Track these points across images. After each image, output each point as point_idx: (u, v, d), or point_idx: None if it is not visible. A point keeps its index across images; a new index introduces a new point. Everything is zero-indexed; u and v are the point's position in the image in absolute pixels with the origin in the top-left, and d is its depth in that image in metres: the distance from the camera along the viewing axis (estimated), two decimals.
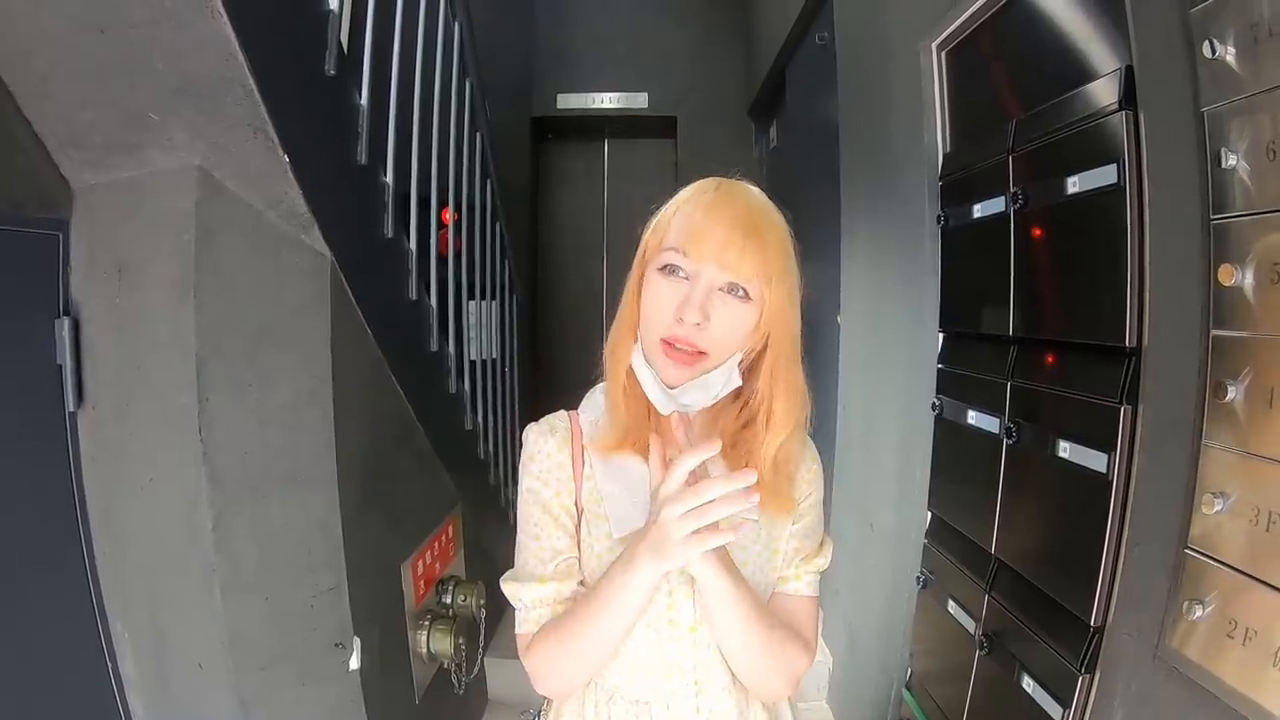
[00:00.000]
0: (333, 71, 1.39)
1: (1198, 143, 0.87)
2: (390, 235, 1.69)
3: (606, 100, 4.66)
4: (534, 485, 0.92)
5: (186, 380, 1.30)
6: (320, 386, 1.44)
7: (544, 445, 0.93)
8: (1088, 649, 1.05)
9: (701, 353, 0.80)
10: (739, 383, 0.85)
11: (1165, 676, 0.88)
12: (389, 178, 1.68)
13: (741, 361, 0.85)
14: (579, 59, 4.63)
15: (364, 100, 1.53)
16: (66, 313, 1.35)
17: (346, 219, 1.52)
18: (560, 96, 4.67)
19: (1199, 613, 0.80)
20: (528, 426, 0.96)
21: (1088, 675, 1.05)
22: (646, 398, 0.85)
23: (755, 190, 0.87)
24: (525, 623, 0.90)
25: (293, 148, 1.24)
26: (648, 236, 0.87)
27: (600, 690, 0.92)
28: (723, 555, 0.81)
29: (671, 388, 0.81)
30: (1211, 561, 0.81)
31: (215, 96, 1.16)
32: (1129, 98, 1.02)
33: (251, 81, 1.13)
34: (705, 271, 0.79)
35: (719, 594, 0.80)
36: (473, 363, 2.46)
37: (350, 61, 1.48)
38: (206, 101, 1.18)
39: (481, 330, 2.63)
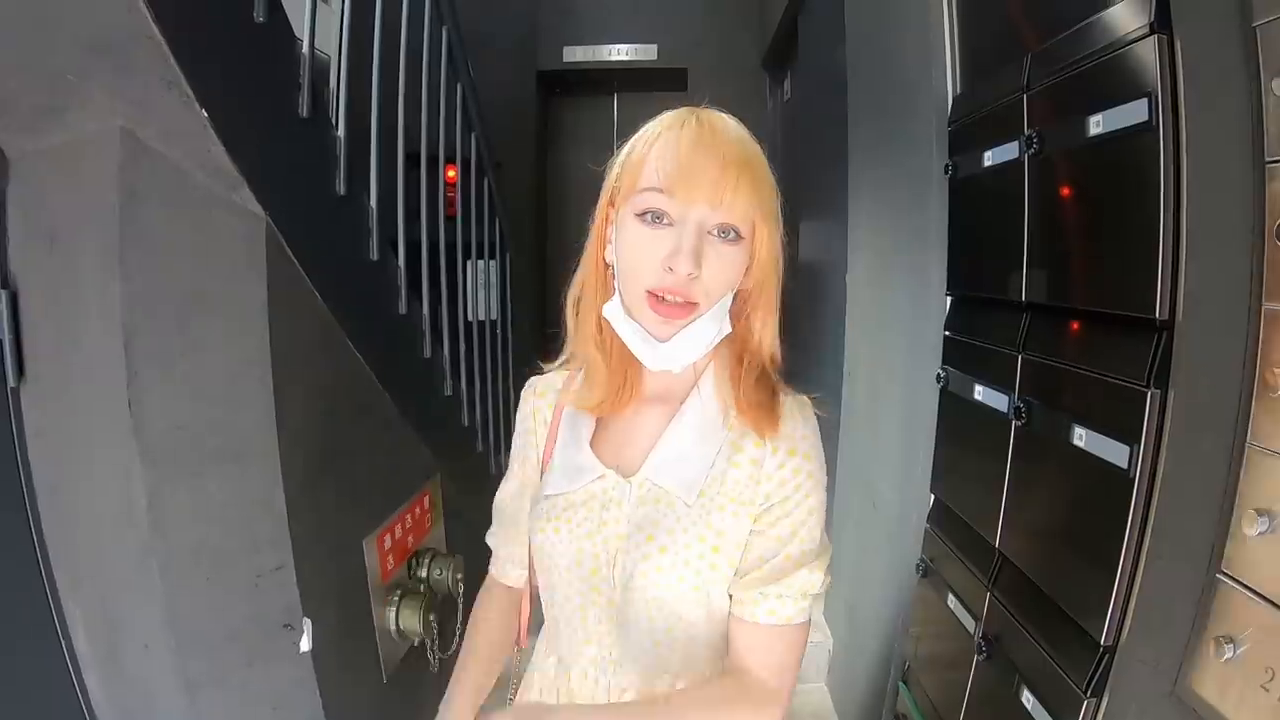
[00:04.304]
0: (262, 18, 1.27)
1: (1248, 68, 0.73)
2: (344, 192, 1.56)
3: (615, 53, 4.47)
4: (515, 436, 0.97)
5: (114, 352, 1.24)
6: (257, 355, 1.34)
7: (525, 402, 0.95)
8: (1095, 671, 0.91)
9: (693, 304, 0.74)
10: (729, 329, 0.79)
11: (1182, 719, 0.73)
12: (340, 131, 1.55)
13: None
14: (586, 10, 4.44)
15: (304, 48, 1.40)
16: (5, 285, 1.30)
17: (285, 176, 1.40)
18: (567, 49, 4.49)
19: (1229, 653, 0.65)
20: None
21: (1094, 699, 0.91)
22: (625, 356, 0.80)
23: (736, 121, 0.77)
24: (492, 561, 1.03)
25: (211, 100, 1.14)
26: (616, 177, 0.78)
27: (546, 636, 0.92)
28: None
29: (661, 341, 0.75)
30: (1249, 594, 0.65)
31: (125, 51, 1.08)
32: (1162, 18, 0.85)
33: (156, 31, 1.03)
34: (695, 214, 0.72)
35: None
36: (458, 325, 2.34)
37: (284, 5, 1.34)
38: (118, 57, 1.09)
39: (469, 291, 2.50)
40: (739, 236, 0.73)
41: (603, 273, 0.81)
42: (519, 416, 0.95)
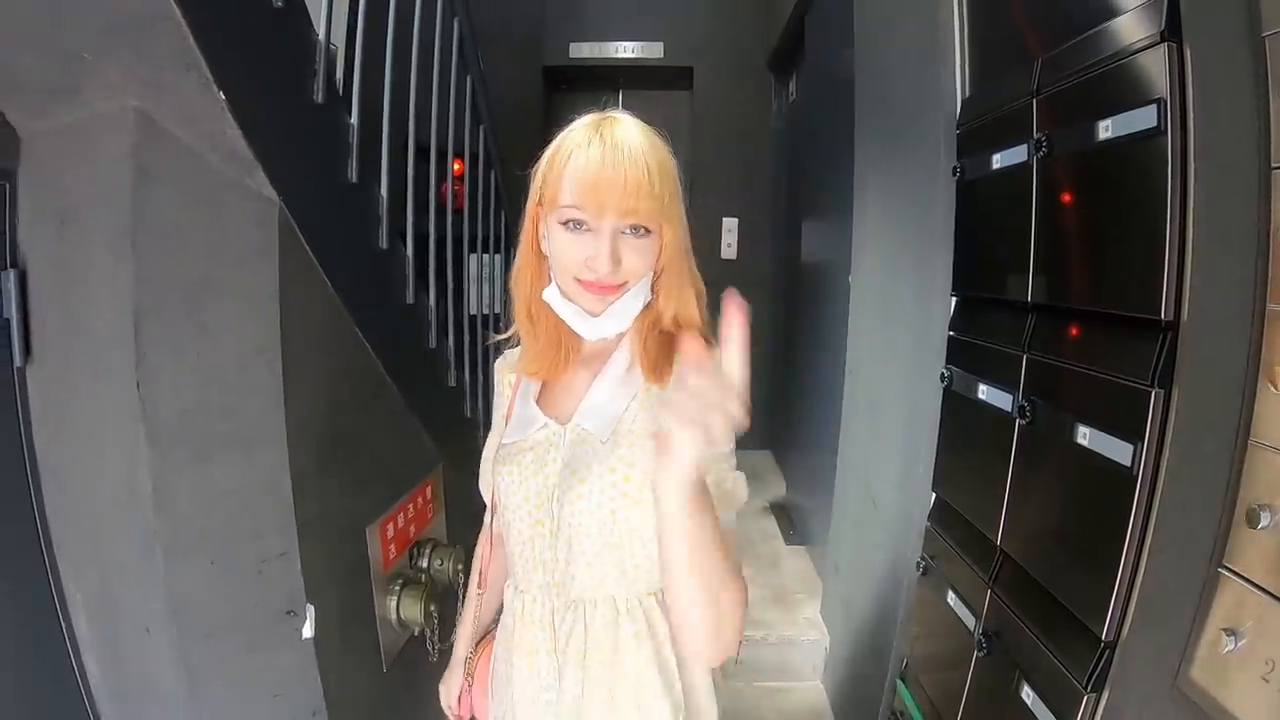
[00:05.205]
0: (280, 3, 1.27)
1: (1255, 76, 0.74)
2: (355, 180, 1.57)
3: (621, 50, 4.47)
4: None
5: (124, 335, 1.24)
6: (268, 341, 1.34)
7: (497, 374, 1.11)
8: (1096, 665, 0.92)
9: (621, 284, 0.88)
10: (649, 297, 0.92)
11: (1184, 711, 0.75)
12: (354, 119, 1.55)
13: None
14: (593, 6, 4.43)
15: (321, 34, 1.40)
16: (13, 265, 1.30)
17: (299, 161, 1.39)
18: (573, 45, 4.48)
19: (1231, 645, 0.67)
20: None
21: (1094, 694, 0.92)
22: (556, 329, 0.95)
23: (639, 128, 0.89)
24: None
25: (229, 83, 1.14)
26: (540, 185, 0.90)
27: (509, 568, 1.03)
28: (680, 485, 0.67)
29: (595, 315, 0.89)
30: (1251, 587, 0.67)
31: (144, 31, 1.08)
32: (1173, 27, 0.87)
33: (177, 12, 1.04)
34: (607, 222, 0.85)
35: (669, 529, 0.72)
36: (463, 317, 2.35)
37: None
38: (136, 37, 1.10)
39: (473, 284, 2.51)
40: (648, 231, 0.87)
41: (536, 262, 0.95)
42: (495, 387, 1.12)
